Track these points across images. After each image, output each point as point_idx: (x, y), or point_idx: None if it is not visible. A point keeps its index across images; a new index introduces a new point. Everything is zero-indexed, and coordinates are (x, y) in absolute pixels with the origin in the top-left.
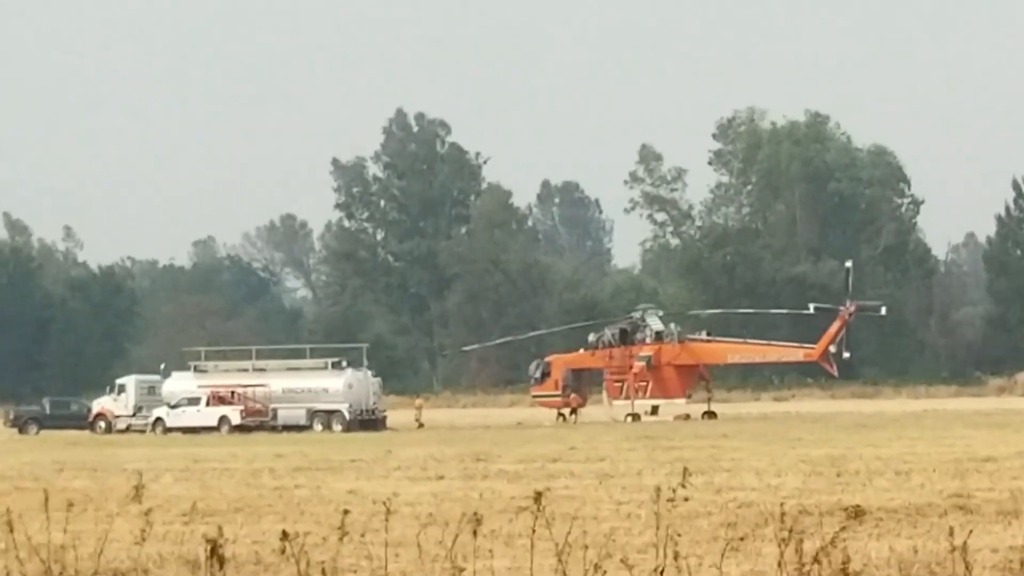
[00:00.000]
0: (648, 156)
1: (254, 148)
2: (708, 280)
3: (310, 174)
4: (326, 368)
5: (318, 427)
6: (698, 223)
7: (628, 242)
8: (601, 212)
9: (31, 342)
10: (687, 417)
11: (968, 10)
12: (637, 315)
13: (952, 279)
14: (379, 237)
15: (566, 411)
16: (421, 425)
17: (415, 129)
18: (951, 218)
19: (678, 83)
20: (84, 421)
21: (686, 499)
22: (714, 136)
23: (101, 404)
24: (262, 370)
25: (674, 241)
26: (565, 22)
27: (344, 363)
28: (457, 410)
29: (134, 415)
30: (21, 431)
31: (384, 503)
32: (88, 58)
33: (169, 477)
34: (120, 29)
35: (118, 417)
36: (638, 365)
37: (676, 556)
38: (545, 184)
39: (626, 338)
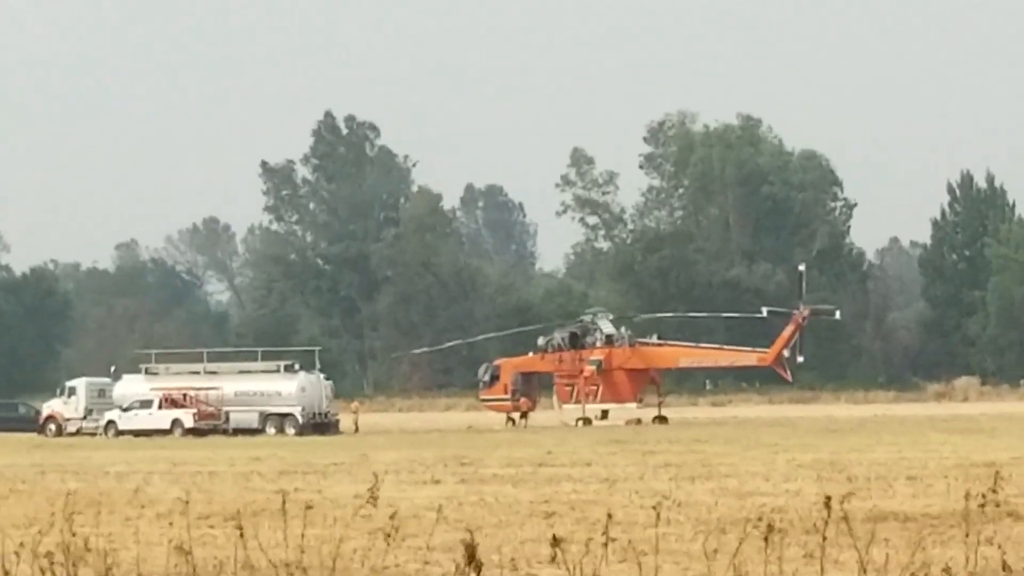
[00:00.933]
0: (579, 159)
1: (177, 150)
2: (642, 284)
3: (234, 177)
4: (279, 371)
5: (271, 430)
6: (630, 227)
7: (552, 246)
8: (525, 216)
9: None
10: (638, 422)
11: (901, 10)
12: (587, 318)
13: (885, 284)
14: (308, 240)
15: (515, 415)
16: (357, 429)
17: (344, 132)
18: (881, 223)
19: (608, 86)
20: (31, 424)
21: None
22: (645, 139)
23: (51, 407)
24: (214, 373)
25: (606, 244)
26: (494, 25)
27: (297, 366)
28: (393, 414)
29: (84, 418)
30: None
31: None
32: (9, 56)
33: (159, 480)
34: (44, 24)
35: (68, 420)
36: (588, 369)
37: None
38: (469, 187)
39: (576, 342)
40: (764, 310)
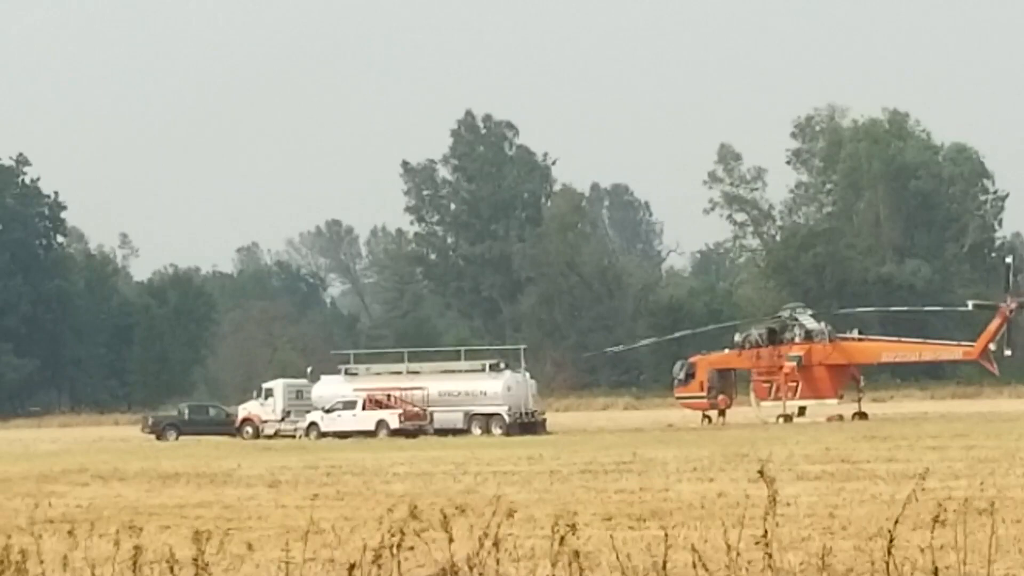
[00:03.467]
0: (727, 156)
1: (302, 153)
2: (796, 281)
3: (357, 179)
4: (484, 370)
5: (476, 431)
6: (779, 223)
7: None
8: (652, 215)
9: (109, 349)
10: (840, 418)
11: None
12: (785, 314)
13: None
14: (449, 240)
15: (712, 413)
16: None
17: (483, 131)
18: None
19: (754, 81)
20: (223, 426)
21: None
22: (792, 135)
23: (247, 409)
24: (416, 373)
25: (754, 241)
26: (635, 20)
27: (502, 365)
28: (552, 413)
29: (282, 420)
30: (159, 437)
31: None
32: (132, 64)
33: (473, 480)
34: (173, 31)
35: (266, 422)
36: (788, 365)
37: None
38: (595, 187)
39: (774, 337)
40: (970, 303)
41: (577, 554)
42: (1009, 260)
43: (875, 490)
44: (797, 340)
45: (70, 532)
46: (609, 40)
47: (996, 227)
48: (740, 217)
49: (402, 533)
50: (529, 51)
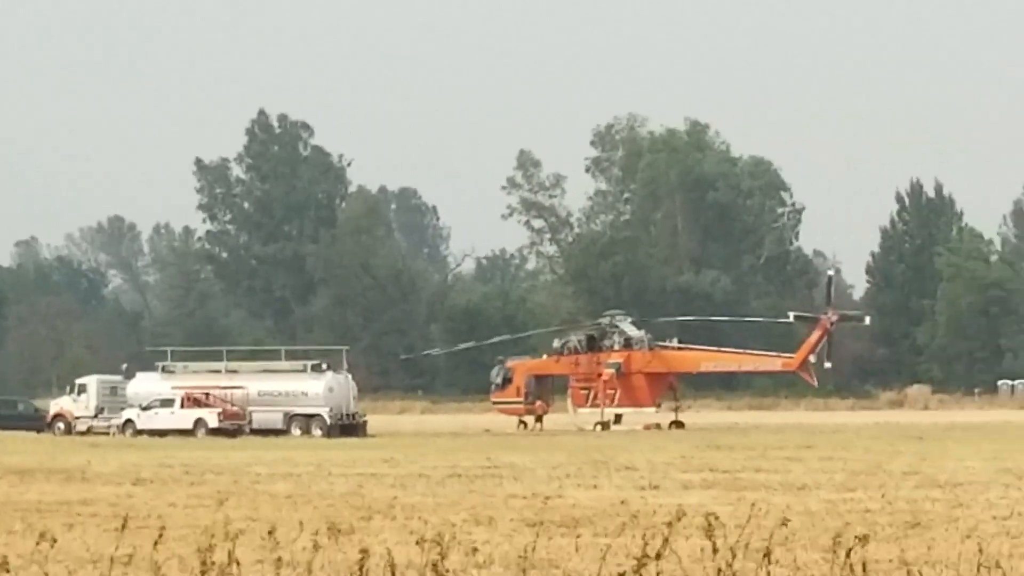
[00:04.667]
0: (526, 162)
1: (80, 150)
2: (594, 289)
3: (140, 176)
4: (305, 371)
5: (296, 432)
6: (576, 230)
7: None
8: (439, 219)
9: None
10: (657, 426)
11: (848, 18)
12: (605, 321)
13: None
14: (242, 239)
15: (528, 419)
16: None
17: (277, 131)
18: (834, 230)
19: (555, 89)
20: (32, 421)
21: None
22: (592, 143)
23: (60, 405)
24: (235, 372)
25: (551, 248)
26: (435, 22)
27: (324, 366)
28: None
29: (96, 416)
30: None
31: None
32: None
33: (371, 484)
34: None
35: (78, 418)
36: (607, 372)
37: None
38: (382, 189)
39: (594, 344)
40: (791, 315)
41: None
42: (831, 273)
43: (779, 500)
44: (616, 347)
45: None
46: (409, 42)
47: (792, 240)
48: (538, 223)
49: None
50: (325, 51)
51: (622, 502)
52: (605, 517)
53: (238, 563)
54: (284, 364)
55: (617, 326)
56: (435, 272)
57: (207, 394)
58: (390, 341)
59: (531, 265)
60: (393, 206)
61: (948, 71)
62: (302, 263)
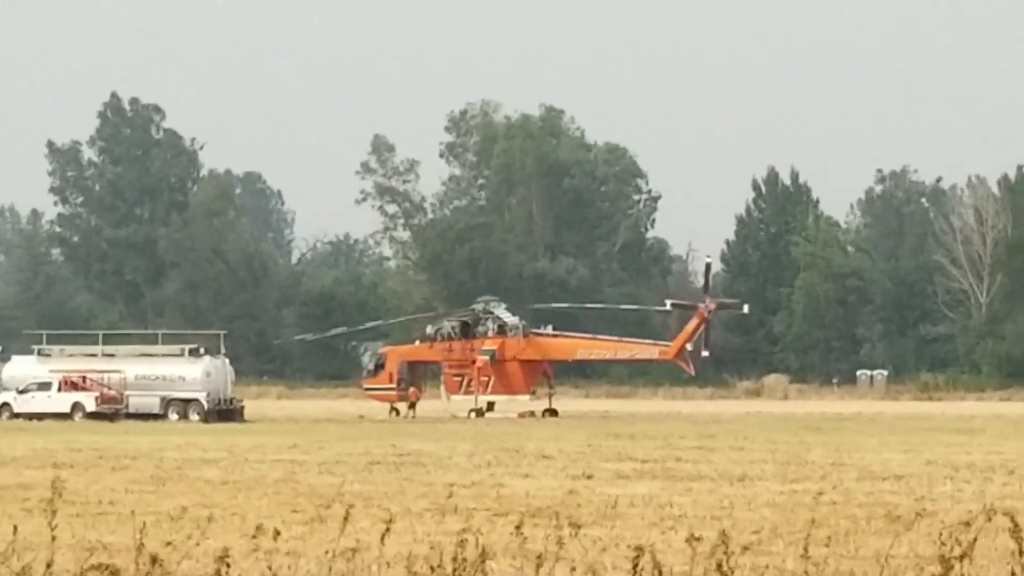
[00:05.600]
0: (380, 146)
1: None
2: (450, 274)
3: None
4: (183, 355)
5: (173, 416)
6: (430, 216)
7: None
8: (284, 203)
9: None
10: (531, 414)
11: (702, 4)
12: (479, 307)
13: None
14: (93, 223)
15: (400, 405)
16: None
17: (129, 113)
18: (690, 218)
19: (410, 73)
20: None
21: None
22: (447, 128)
23: None
24: (111, 356)
25: (404, 234)
26: (291, 6)
27: (202, 350)
28: None
29: None
30: None
31: None
32: None
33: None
34: None
35: None
36: (481, 359)
37: None
38: (227, 173)
39: (468, 331)
40: (668, 303)
41: None
42: (708, 260)
43: (727, 492)
44: (491, 334)
45: None
46: (261, 24)
47: (648, 227)
48: (392, 209)
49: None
50: (177, 32)
51: (570, 492)
52: (576, 508)
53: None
54: (162, 348)
55: (492, 312)
56: (279, 257)
57: (84, 378)
58: (241, 326)
59: (385, 251)
60: (238, 190)
61: (804, 57)
62: (154, 246)
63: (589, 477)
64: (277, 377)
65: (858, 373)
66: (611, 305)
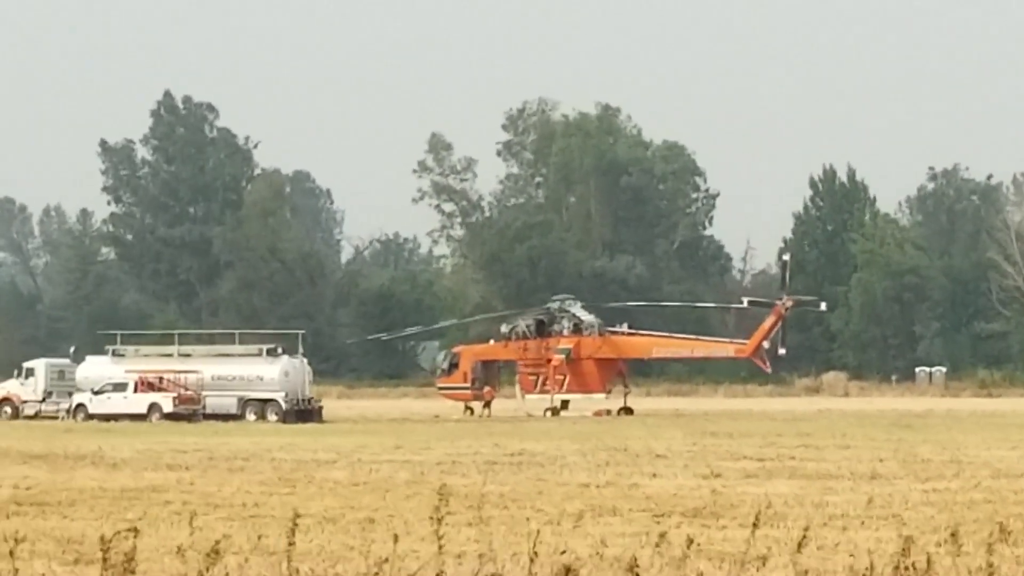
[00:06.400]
0: (437, 145)
1: None
2: (509, 273)
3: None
4: (260, 355)
5: (251, 417)
6: (487, 214)
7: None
8: (333, 203)
9: None
10: (607, 413)
11: (755, 2)
12: (554, 305)
13: (752, 277)
14: (147, 222)
15: (475, 404)
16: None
17: (183, 112)
18: (744, 215)
19: (466, 72)
20: None
21: None
22: (504, 127)
23: (7, 388)
24: (187, 356)
25: (460, 232)
26: (345, 5)
27: (280, 350)
28: None
29: (44, 400)
30: None
31: None
32: None
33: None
34: None
35: (26, 402)
36: (557, 358)
37: None
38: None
39: (542, 329)
40: (744, 300)
41: None
42: (787, 258)
43: (870, 490)
44: (566, 332)
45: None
46: (317, 24)
47: (706, 225)
48: (448, 207)
49: None
50: (232, 33)
51: (713, 491)
52: (731, 509)
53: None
54: (239, 348)
55: (567, 310)
56: (331, 255)
57: (161, 378)
58: (297, 325)
59: (442, 249)
60: (288, 189)
61: (857, 55)
62: (208, 246)
63: (718, 476)
64: (333, 377)
65: (917, 370)
66: (685, 303)
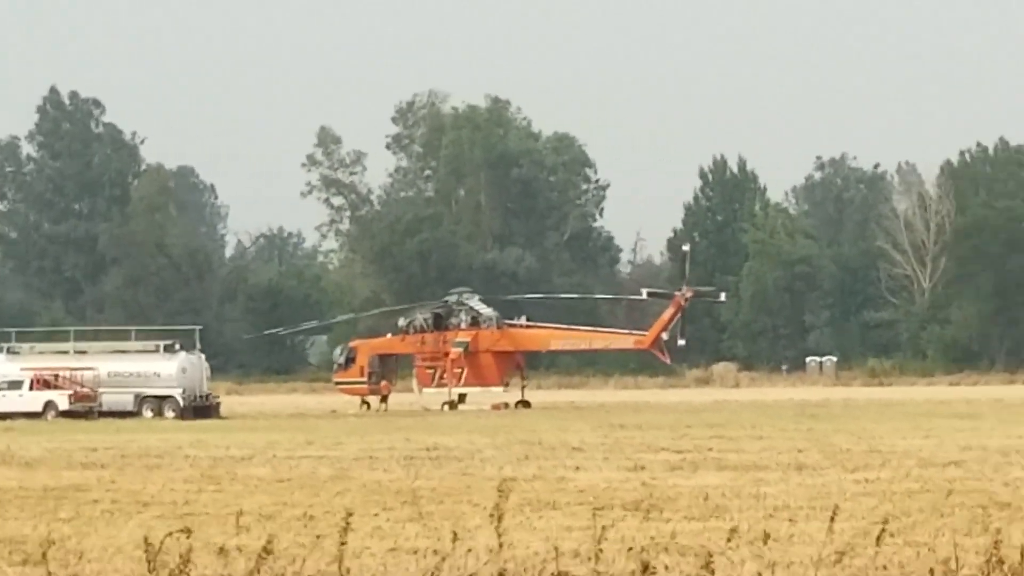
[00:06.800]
0: (327, 139)
1: None
2: (400, 267)
3: None
4: (157, 351)
5: (148, 414)
6: (377, 208)
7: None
8: (217, 198)
9: None
10: (505, 406)
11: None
12: (452, 299)
13: (643, 268)
14: (32, 219)
15: (372, 399)
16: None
17: (69, 108)
18: (638, 207)
19: (356, 65)
20: None
21: None
22: (393, 120)
23: None
24: (83, 353)
25: (350, 226)
26: None
27: (177, 346)
28: None
29: None
30: None
31: None
32: None
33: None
34: None
35: None
36: (455, 351)
37: None
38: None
39: (440, 323)
40: (644, 291)
41: None
42: (686, 248)
43: (802, 481)
44: (464, 326)
45: None
46: (203, 18)
47: (596, 217)
48: (338, 201)
49: None
50: (118, 28)
51: (644, 484)
52: (670, 502)
53: None
54: (135, 344)
55: (465, 304)
56: (214, 250)
57: (56, 376)
58: (184, 321)
59: (330, 244)
60: (172, 184)
61: (745, 44)
62: (94, 242)
63: (642, 468)
64: (222, 373)
65: (807, 360)
66: (583, 296)
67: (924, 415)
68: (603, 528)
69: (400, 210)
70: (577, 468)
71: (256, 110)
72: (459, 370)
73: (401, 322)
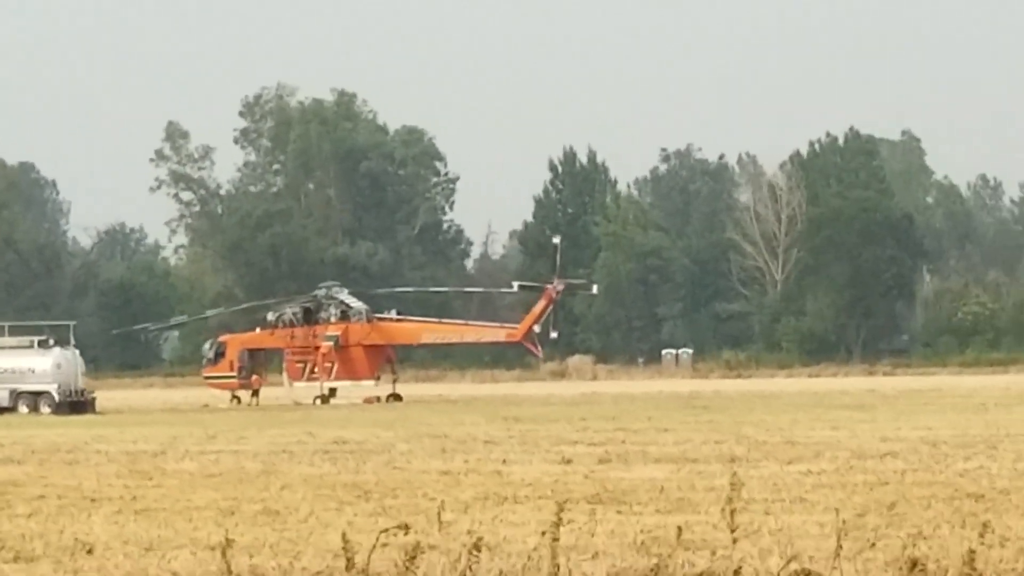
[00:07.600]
0: (174, 133)
1: None
2: (251, 262)
3: None
4: (32, 347)
5: (23, 409)
6: (226, 203)
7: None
8: (59, 194)
9: None
10: (377, 399)
11: None
12: (321, 292)
13: (491, 262)
14: None
15: (242, 393)
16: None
17: None
18: (489, 200)
19: (203, 59)
20: None
21: None
22: (241, 114)
23: None
24: None
25: (200, 221)
26: None
27: (51, 342)
28: None
29: None
30: None
31: None
32: None
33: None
34: None
35: None
36: (325, 345)
37: None
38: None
39: (310, 317)
40: (515, 284)
41: None
42: (556, 241)
43: (744, 474)
44: (334, 319)
45: None
46: (45, 9)
47: (447, 210)
48: (187, 196)
49: None
50: None
51: (586, 476)
52: (629, 494)
53: None
54: (9, 340)
55: (335, 297)
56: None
57: None
58: (35, 316)
59: (180, 239)
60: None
61: (593, 36)
62: None
63: (569, 462)
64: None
65: (663, 352)
66: (456, 288)
67: (814, 406)
68: (596, 523)
69: (250, 205)
70: (504, 461)
71: (103, 105)
72: (330, 364)
73: (270, 316)
